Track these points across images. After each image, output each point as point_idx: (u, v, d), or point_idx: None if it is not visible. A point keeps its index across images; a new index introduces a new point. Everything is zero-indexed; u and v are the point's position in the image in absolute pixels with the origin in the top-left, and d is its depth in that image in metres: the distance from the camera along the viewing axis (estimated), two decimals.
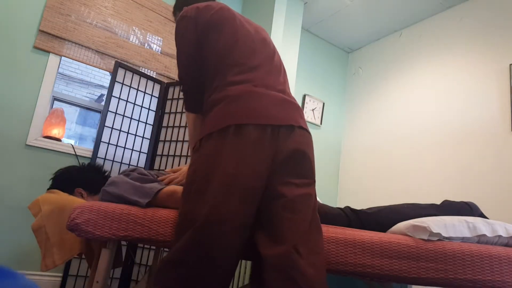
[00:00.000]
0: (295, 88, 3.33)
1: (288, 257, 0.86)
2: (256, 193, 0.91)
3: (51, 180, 1.51)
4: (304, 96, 3.40)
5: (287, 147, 0.95)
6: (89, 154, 2.18)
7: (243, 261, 1.98)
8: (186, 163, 2.20)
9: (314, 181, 1.01)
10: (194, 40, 1.08)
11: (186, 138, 2.25)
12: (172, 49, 2.66)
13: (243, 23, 1.12)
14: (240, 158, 0.90)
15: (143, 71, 2.48)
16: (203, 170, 0.92)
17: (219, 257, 0.87)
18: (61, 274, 1.97)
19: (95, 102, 6.56)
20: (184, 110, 2.30)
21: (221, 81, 1.00)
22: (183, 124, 2.29)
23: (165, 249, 1.97)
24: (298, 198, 0.93)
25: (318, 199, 1.17)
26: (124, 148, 2.21)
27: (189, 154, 2.19)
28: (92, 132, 6.71)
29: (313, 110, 3.45)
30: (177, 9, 1.37)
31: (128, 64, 2.41)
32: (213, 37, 1.05)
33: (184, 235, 0.89)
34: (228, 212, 0.87)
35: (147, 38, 2.57)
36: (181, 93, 2.35)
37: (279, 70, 1.10)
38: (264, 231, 0.92)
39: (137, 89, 2.29)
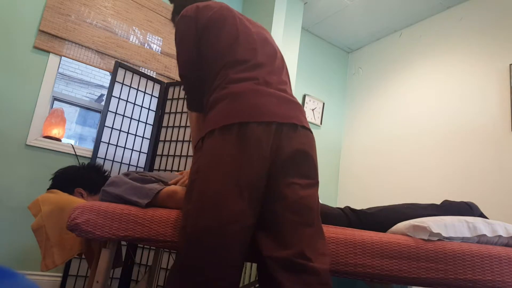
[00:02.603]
0: (295, 88, 3.33)
1: (296, 261, 0.85)
2: (260, 192, 0.90)
3: (51, 180, 1.51)
4: (304, 96, 3.40)
5: (290, 147, 0.93)
6: (89, 154, 2.18)
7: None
8: (186, 163, 2.20)
9: (318, 182, 0.99)
10: (194, 39, 1.07)
11: (186, 138, 2.25)
12: (172, 49, 2.66)
13: (244, 22, 1.11)
14: (244, 157, 0.88)
15: (143, 71, 2.48)
16: (206, 169, 0.90)
17: (230, 258, 0.86)
18: (61, 274, 1.97)
19: (95, 102, 6.55)
20: (185, 110, 2.30)
21: (222, 79, 0.99)
22: (183, 124, 2.29)
23: (165, 250, 1.97)
24: (302, 200, 0.92)
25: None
26: (124, 148, 2.21)
27: (189, 154, 2.19)
28: (92, 132, 6.71)
29: (313, 110, 3.45)
30: (175, 13, 1.35)
31: (128, 64, 2.41)
32: (213, 35, 1.04)
33: (191, 237, 0.86)
34: (237, 213, 0.86)
35: (147, 38, 2.57)
36: (182, 93, 2.35)
37: (281, 69, 1.08)
38: (267, 233, 0.90)
39: (137, 89, 2.29)
